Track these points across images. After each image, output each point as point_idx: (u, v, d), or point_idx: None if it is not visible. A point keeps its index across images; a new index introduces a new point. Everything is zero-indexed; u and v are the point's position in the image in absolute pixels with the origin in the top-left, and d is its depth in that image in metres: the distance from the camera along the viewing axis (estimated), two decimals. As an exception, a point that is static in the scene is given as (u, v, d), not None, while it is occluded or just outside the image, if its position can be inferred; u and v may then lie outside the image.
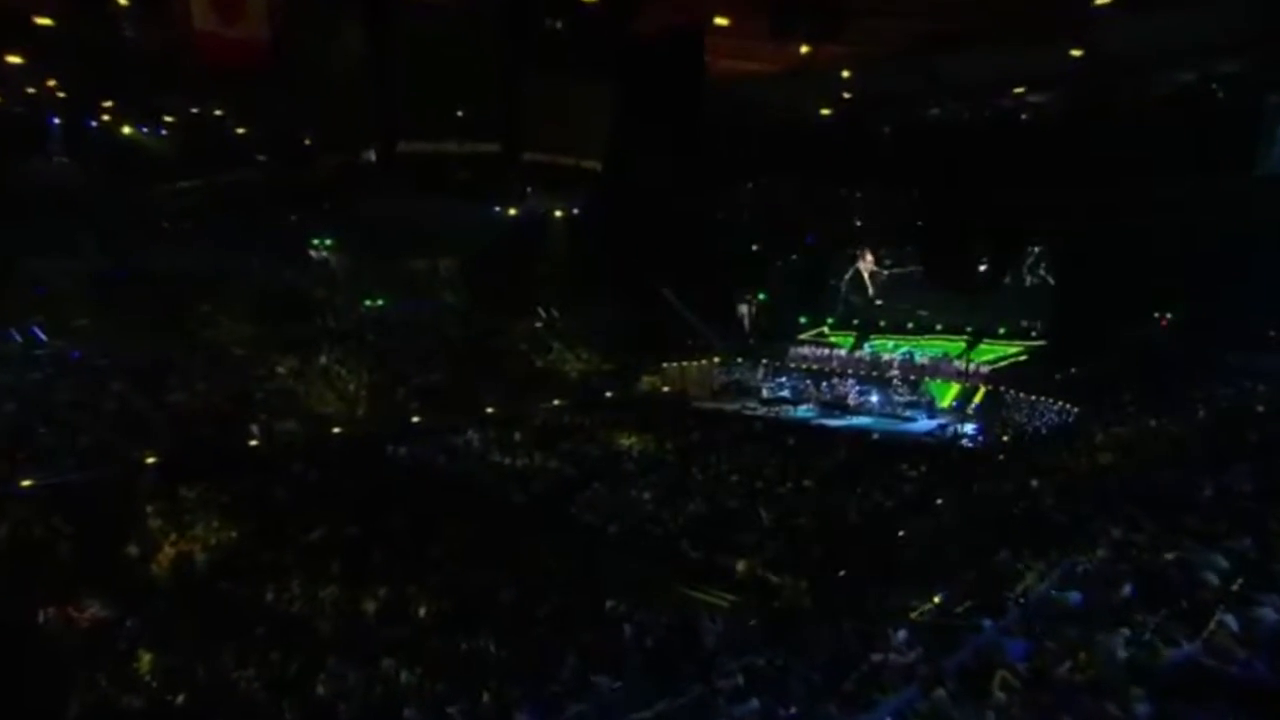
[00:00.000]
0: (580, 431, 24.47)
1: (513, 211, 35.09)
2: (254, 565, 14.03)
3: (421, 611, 12.32)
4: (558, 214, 35.77)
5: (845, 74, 26.93)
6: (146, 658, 10.57)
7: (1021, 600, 9.58)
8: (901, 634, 9.37)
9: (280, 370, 25.92)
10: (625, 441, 23.25)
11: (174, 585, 13.54)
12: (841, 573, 12.72)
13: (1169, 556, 9.84)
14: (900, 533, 14.42)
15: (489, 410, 25.84)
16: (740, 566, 13.96)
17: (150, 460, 18.91)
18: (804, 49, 16.30)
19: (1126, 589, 8.97)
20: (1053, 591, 9.79)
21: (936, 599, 10.32)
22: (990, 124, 28.97)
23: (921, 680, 7.87)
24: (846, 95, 28.65)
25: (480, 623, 11.93)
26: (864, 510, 16.43)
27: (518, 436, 23.62)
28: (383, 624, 12.18)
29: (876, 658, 8.95)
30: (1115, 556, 10.35)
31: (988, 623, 9.05)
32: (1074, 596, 9.32)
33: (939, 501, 16.49)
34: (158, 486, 17.58)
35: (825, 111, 29.77)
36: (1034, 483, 16.53)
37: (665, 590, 13.51)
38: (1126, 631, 7.45)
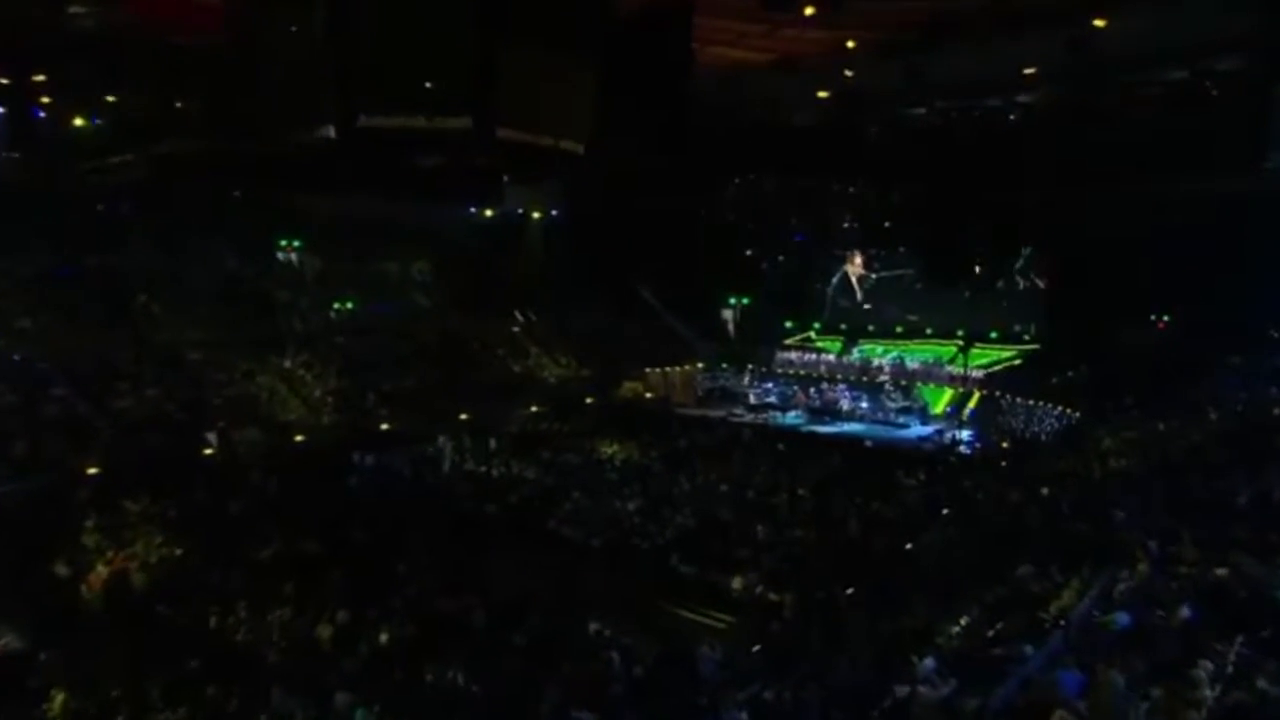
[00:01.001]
0: (559, 439, 23.25)
1: (489, 211, 34.03)
2: (197, 586, 12.59)
3: (383, 638, 10.98)
4: (535, 215, 34.73)
5: (829, 68, 26.05)
6: (59, 699, 9.14)
7: (1062, 623, 8.46)
8: (929, 662, 8.23)
9: (240, 375, 24.42)
10: (607, 450, 22.06)
11: (103, 610, 12.06)
12: (849, 590, 11.54)
13: (1221, 572, 8.81)
14: (909, 545, 13.28)
15: (463, 417, 24.52)
16: (736, 584, 12.76)
17: (91, 471, 17.40)
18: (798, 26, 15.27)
19: (1185, 610, 7.91)
20: (1096, 612, 8.72)
21: (963, 621, 9.17)
22: (981, 122, 28.30)
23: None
24: (829, 91, 27.81)
25: (448, 650, 10.62)
26: (866, 521, 15.32)
27: (493, 445, 22.33)
28: (339, 652, 10.82)
29: (901, 690, 7.79)
30: (1160, 572, 9.31)
31: (1029, 650, 7.93)
32: (1122, 618, 8.25)
33: (945, 511, 15.41)
34: (98, 499, 16.05)
35: (812, 108, 28.99)
36: (1045, 490, 15.56)
37: (655, 612, 12.30)
38: (1209, 665, 6.37)
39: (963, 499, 16.39)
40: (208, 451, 20.14)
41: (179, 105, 18.75)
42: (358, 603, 11.96)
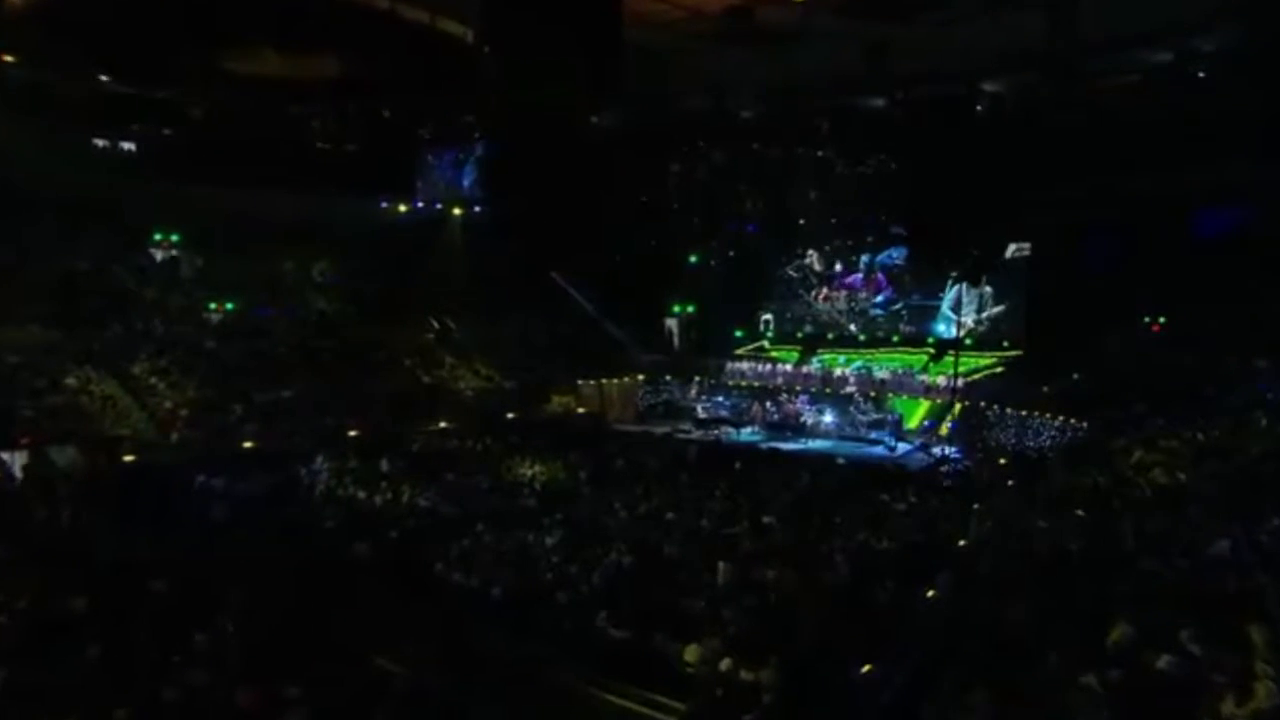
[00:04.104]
0: (468, 459, 19.09)
1: (403, 207, 30.14)
2: None
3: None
4: (456, 210, 30.89)
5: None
6: None
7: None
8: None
9: (70, 382, 19.67)
10: (526, 471, 17.97)
11: None
12: (866, 668, 7.71)
13: None
14: (930, 592, 9.55)
15: (352, 434, 20.21)
16: (691, 654, 8.78)
17: None
18: None
19: None
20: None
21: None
22: (956, 112, 25.95)
23: None
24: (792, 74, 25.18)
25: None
26: (856, 559, 11.56)
27: (385, 466, 18.01)
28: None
29: None
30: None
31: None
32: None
33: (962, 543, 11.81)
34: None
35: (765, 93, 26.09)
36: (1080, 513, 12.16)
37: (580, 698, 8.27)
38: None
39: (971, 527, 12.85)
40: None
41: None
42: (111, 697, 7.62)
